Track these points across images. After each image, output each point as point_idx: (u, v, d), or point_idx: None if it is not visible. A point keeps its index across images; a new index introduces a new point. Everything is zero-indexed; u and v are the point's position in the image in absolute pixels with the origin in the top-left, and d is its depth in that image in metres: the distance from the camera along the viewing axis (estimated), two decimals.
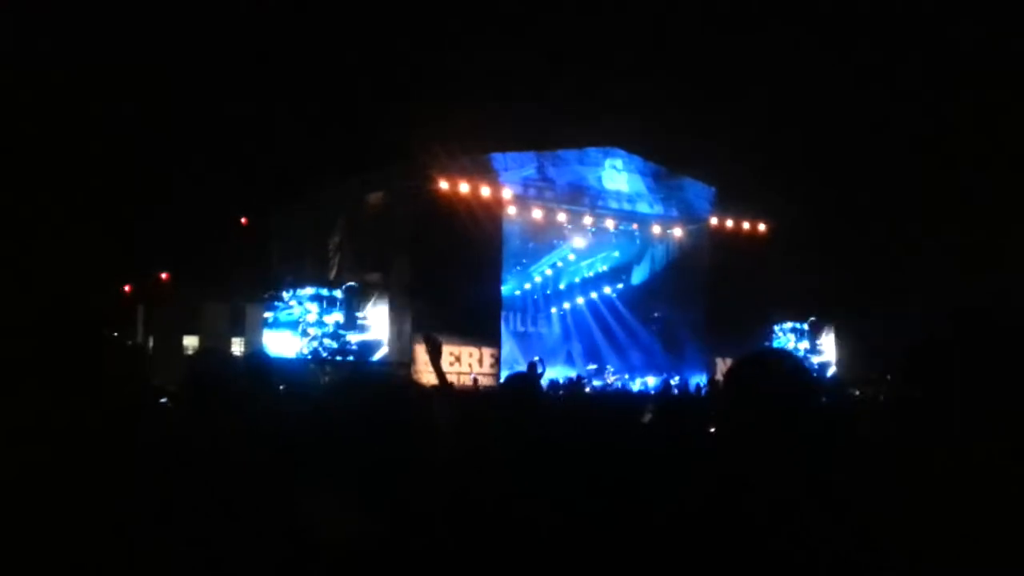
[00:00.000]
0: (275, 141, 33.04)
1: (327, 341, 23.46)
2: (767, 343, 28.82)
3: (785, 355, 2.50)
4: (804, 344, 30.65)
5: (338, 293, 23.94)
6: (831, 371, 30.20)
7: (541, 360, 24.20)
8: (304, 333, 23.45)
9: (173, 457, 2.38)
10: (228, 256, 29.82)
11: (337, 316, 23.70)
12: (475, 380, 22.28)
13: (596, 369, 29.81)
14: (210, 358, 2.94)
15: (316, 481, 1.52)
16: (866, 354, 28.91)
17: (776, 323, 30.41)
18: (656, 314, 31.77)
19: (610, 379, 28.56)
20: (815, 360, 30.20)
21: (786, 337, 30.39)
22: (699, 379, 27.43)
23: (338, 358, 23.05)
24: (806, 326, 30.90)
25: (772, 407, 2.17)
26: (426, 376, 21.57)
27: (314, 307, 23.61)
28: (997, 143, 29.12)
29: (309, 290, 23.83)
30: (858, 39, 32.80)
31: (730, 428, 2.30)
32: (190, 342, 28.40)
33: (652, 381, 28.26)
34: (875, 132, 32.95)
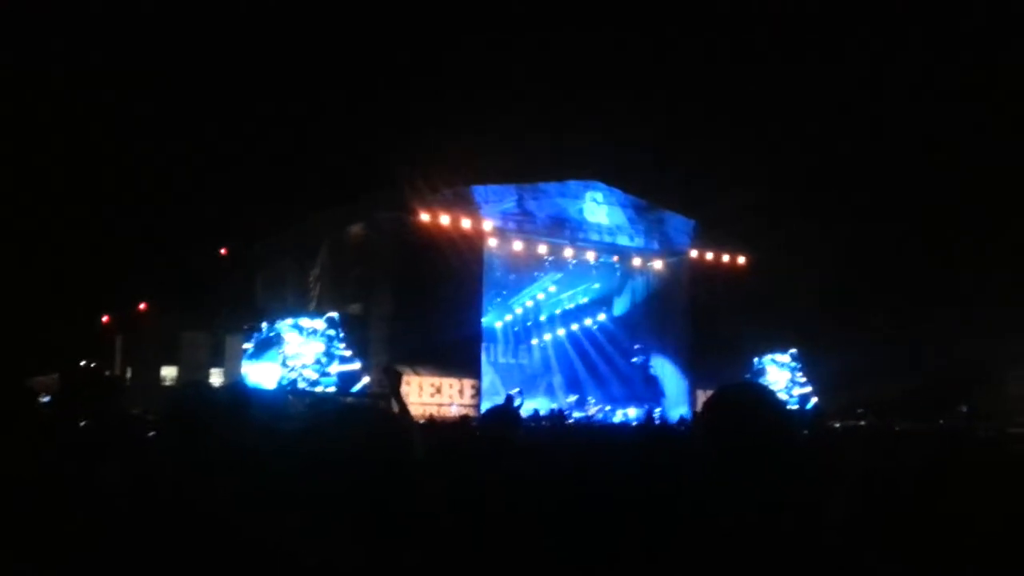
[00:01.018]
0: (257, 171, 33.04)
1: (307, 372, 23.32)
2: (748, 375, 28.90)
3: (760, 388, 2.55)
4: (786, 375, 30.72)
5: (319, 324, 23.83)
6: (812, 402, 30.28)
7: (520, 391, 24.23)
8: (284, 364, 23.31)
9: (151, 490, 2.38)
10: (208, 286, 29.71)
11: (318, 346, 23.58)
12: (464, 417, 22.08)
13: (577, 400, 29.81)
14: (191, 391, 2.94)
15: (295, 513, 1.53)
16: (846, 386, 29.07)
17: (757, 355, 30.49)
18: (637, 346, 31.84)
19: (591, 411, 28.55)
20: (796, 392, 30.28)
21: (767, 369, 30.47)
22: (681, 411, 27.48)
23: (318, 389, 22.92)
24: (787, 357, 30.99)
25: (747, 439, 2.21)
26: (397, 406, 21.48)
27: (294, 337, 23.47)
28: (980, 173, 29.57)
29: (289, 320, 23.72)
30: (837, 71, 33.26)
31: (707, 460, 2.33)
32: (168, 372, 28.22)
33: (633, 413, 28.27)
34: (854, 162, 33.34)
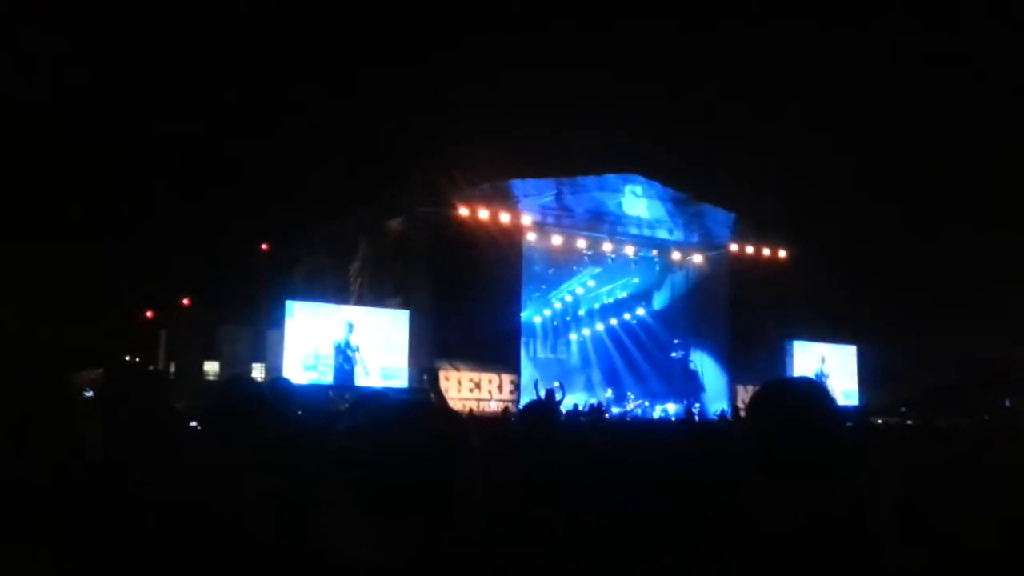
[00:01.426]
0: (296, 167, 33.30)
1: (347, 367, 23.43)
2: (788, 370, 28.64)
3: (808, 383, 2.49)
4: (831, 370, 30.40)
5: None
6: (854, 398, 29.97)
7: (561, 386, 24.15)
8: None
9: (196, 489, 2.39)
10: (249, 282, 30.00)
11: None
12: (505, 409, 22.10)
13: (616, 395, 29.72)
14: (234, 386, 2.95)
15: (343, 510, 1.51)
16: (889, 381, 28.73)
17: (797, 350, 30.20)
18: (676, 340, 31.66)
19: (630, 406, 28.45)
20: (837, 387, 29.99)
21: (807, 363, 30.15)
22: (720, 406, 27.30)
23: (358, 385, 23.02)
24: (827, 353, 30.68)
25: (795, 435, 2.16)
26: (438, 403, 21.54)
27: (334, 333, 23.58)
28: None
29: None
30: (882, 63, 32.77)
31: (754, 456, 2.29)
32: (211, 367, 28.57)
33: (673, 408, 28.14)
34: (899, 156, 32.86)
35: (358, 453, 1.53)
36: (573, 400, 25.85)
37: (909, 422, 19.76)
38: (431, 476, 1.53)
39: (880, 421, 23.29)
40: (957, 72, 30.79)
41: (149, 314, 31.87)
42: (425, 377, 22.79)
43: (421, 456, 1.54)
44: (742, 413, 2.49)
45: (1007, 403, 22.94)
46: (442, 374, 23.22)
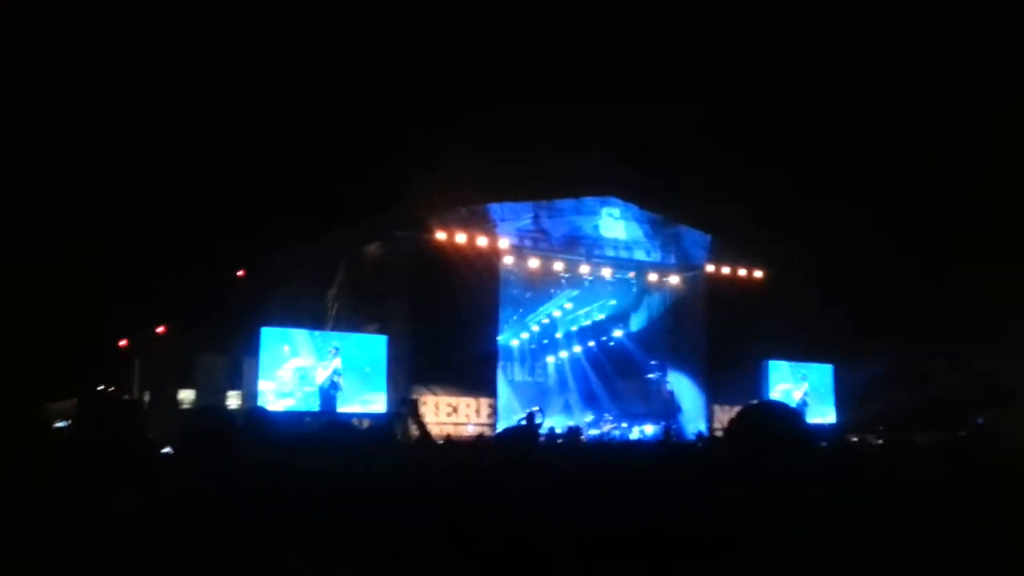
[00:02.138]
0: (272, 191, 33.21)
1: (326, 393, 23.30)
2: (765, 389, 28.79)
3: (783, 406, 2.56)
4: (803, 390, 30.61)
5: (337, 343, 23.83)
6: (831, 417, 30.16)
7: (540, 410, 24.14)
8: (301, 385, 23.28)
9: (166, 514, 2.37)
10: (224, 308, 29.80)
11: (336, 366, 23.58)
12: (480, 436, 22.02)
13: (594, 418, 29.73)
14: (207, 416, 2.94)
15: (308, 538, 1.52)
16: (866, 399, 28.91)
17: (776, 371, 30.39)
18: (653, 362, 31.76)
19: (606, 427, 28.47)
20: (814, 406, 30.21)
21: (784, 384, 30.34)
22: (698, 426, 27.36)
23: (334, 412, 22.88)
24: (804, 373, 30.91)
25: (772, 456, 2.20)
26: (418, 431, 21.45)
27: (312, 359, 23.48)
28: (1003, 187, 29.40)
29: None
30: (851, 83, 33.18)
31: (732, 477, 2.33)
32: (186, 396, 28.29)
33: (650, 429, 28.16)
34: (872, 176, 33.20)
35: (315, 483, 1.54)
36: (551, 423, 25.83)
37: (881, 441, 19.87)
38: (386, 509, 1.54)
39: (856, 439, 23.42)
40: (923, 86, 31.20)
41: (123, 342, 31.57)
42: (404, 407, 22.80)
43: (376, 488, 1.55)
44: (718, 433, 2.54)
45: (980, 420, 23.16)
46: (420, 398, 23.21)
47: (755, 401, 2.53)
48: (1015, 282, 27.87)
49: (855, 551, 2.13)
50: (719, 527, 2.18)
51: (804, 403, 29.57)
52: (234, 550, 1.55)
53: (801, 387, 30.64)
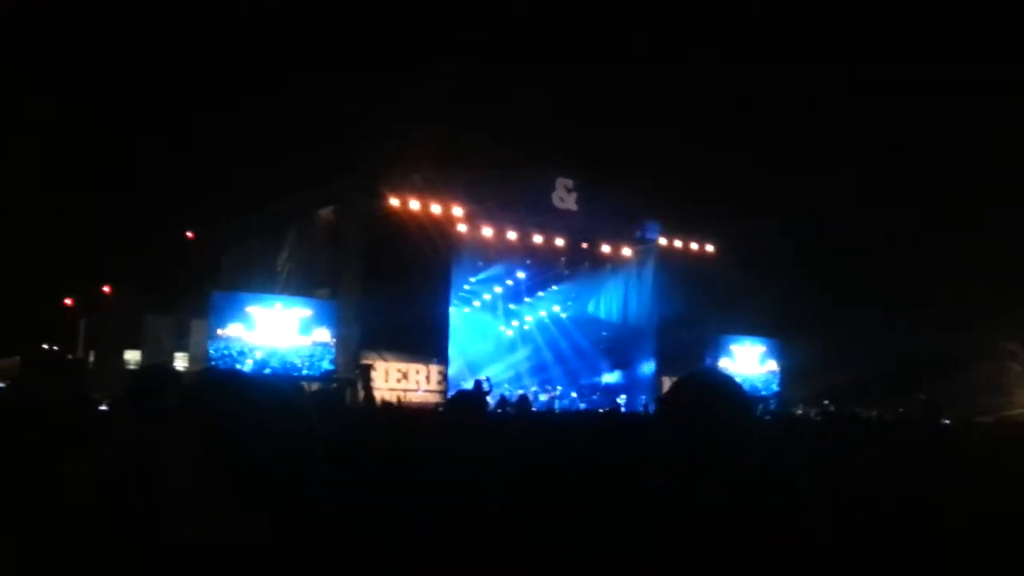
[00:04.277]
0: (223, 152, 32.71)
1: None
2: (712, 362, 29.17)
3: (719, 375, 2.59)
4: (752, 362, 31.06)
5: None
6: (775, 389, 30.70)
7: (488, 379, 24.27)
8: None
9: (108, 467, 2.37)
10: (173, 269, 29.41)
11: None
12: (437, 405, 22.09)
13: (544, 388, 29.89)
14: (151, 373, 2.92)
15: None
16: (811, 374, 29.45)
17: (726, 343, 30.78)
18: (604, 333, 32.00)
19: (554, 395, 28.67)
20: (763, 380, 30.69)
21: (734, 356, 30.75)
22: (645, 397, 27.68)
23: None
24: (754, 345, 31.35)
25: (707, 425, 2.23)
26: (376, 392, 21.50)
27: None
28: (952, 168, 29.97)
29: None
30: (805, 58, 33.48)
31: (667, 449, 2.35)
32: (132, 356, 27.92)
33: (599, 399, 28.45)
34: (821, 153, 33.63)
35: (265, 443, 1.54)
36: (501, 392, 25.97)
37: (822, 412, 20.29)
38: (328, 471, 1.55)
39: (800, 412, 23.88)
40: (870, 66, 31.64)
41: (68, 301, 31.03)
42: (357, 371, 22.80)
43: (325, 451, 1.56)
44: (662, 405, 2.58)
45: (922, 396, 23.72)
46: (370, 363, 23.22)
47: (692, 372, 2.53)
48: (967, 257, 28.51)
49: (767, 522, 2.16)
50: (649, 488, 2.22)
51: (753, 375, 29.99)
52: (174, 513, 1.55)
53: (749, 359, 31.06)
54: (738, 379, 2.64)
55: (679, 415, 2.30)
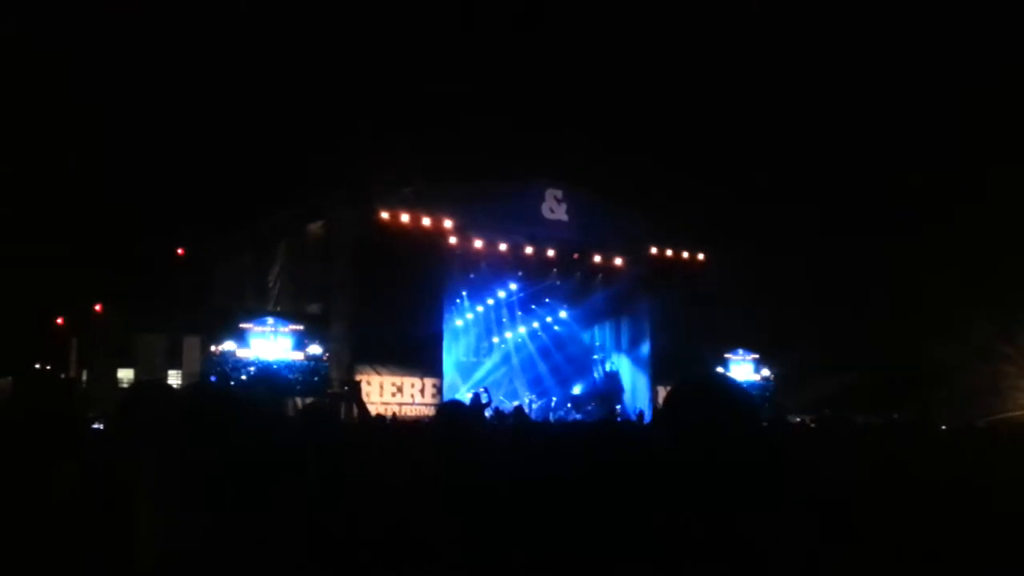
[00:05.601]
0: (213, 169, 32.69)
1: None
2: (706, 369, 29.14)
3: (722, 379, 2.55)
4: (747, 369, 31.04)
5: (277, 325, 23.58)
6: (770, 397, 30.67)
7: (486, 390, 24.26)
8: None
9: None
10: (164, 287, 29.33)
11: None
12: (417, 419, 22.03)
13: (539, 399, 29.85)
14: (143, 391, 2.91)
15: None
16: (806, 381, 29.47)
17: (720, 352, 30.76)
18: (598, 343, 31.97)
19: (536, 405, 28.63)
20: (757, 388, 30.67)
21: (730, 365, 30.74)
22: (641, 406, 27.66)
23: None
24: (750, 354, 31.33)
25: (707, 430, 2.21)
26: (370, 407, 21.42)
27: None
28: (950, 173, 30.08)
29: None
30: (798, 68, 33.65)
31: (666, 452, 2.33)
32: (125, 375, 27.77)
33: (593, 409, 28.41)
34: (814, 161, 33.75)
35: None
36: (495, 403, 25.93)
37: (816, 418, 20.31)
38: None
39: (798, 419, 23.88)
40: (859, 75, 31.81)
41: (60, 320, 30.88)
42: (346, 388, 22.69)
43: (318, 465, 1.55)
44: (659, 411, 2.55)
45: (917, 401, 23.83)
46: (364, 378, 23.11)
47: (692, 376, 2.48)
48: (961, 270, 28.59)
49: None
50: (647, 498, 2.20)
51: (747, 383, 29.97)
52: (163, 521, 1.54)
53: (743, 366, 31.02)
54: (734, 381, 2.60)
55: (682, 426, 2.26)
